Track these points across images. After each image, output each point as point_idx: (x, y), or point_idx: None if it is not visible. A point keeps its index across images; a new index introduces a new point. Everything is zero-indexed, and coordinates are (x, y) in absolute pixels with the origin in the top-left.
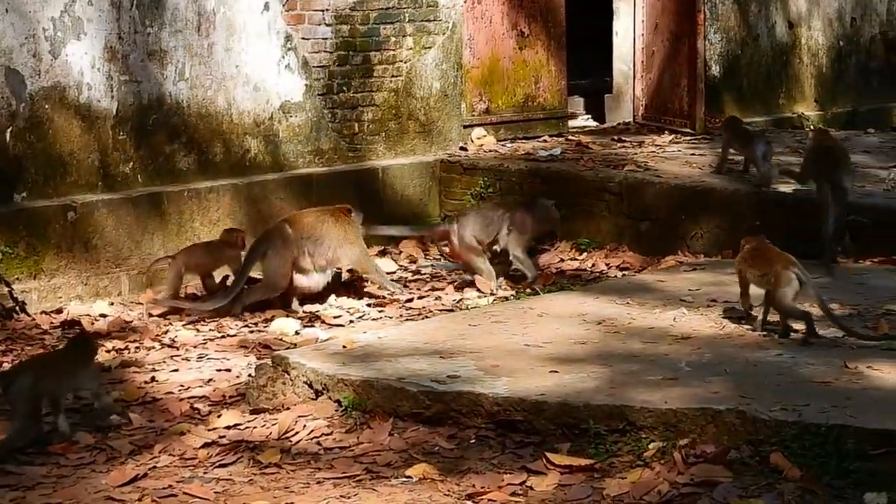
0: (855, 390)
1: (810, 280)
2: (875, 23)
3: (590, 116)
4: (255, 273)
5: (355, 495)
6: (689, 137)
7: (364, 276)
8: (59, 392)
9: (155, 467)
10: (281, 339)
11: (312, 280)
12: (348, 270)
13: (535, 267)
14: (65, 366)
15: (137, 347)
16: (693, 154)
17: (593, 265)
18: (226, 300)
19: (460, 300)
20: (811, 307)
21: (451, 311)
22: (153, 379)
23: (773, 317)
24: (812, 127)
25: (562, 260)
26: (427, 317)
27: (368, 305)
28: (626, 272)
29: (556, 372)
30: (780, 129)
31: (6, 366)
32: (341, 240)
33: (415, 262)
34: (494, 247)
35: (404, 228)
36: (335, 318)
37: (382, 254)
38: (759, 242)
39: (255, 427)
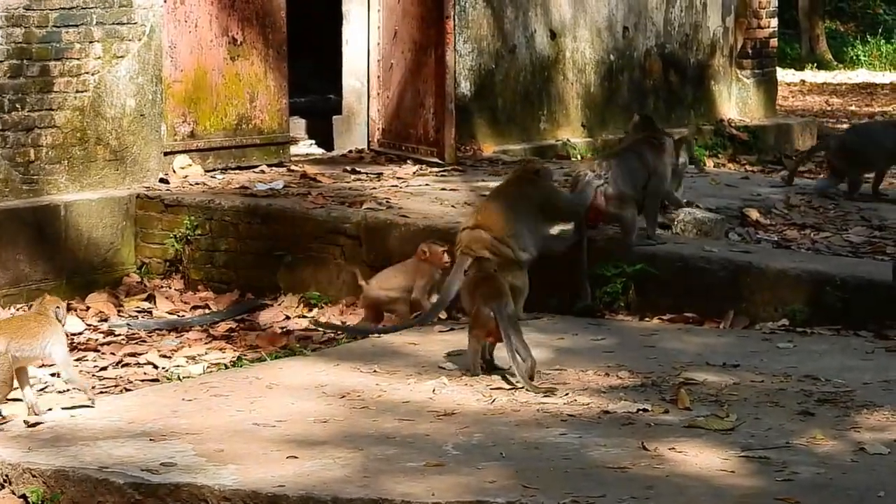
0: (658, 477)
1: (504, 318)
2: (651, 34)
3: (314, 142)
4: None
5: None
6: (436, 169)
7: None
8: None
9: None
10: None
11: None
12: None
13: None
14: None
15: None
16: (443, 189)
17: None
18: None
19: (180, 366)
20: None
21: (158, 381)
22: None
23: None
24: (580, 157)
25: (288, 318)
26: (127, 389)
27: (53, 375)
28: None
29: (294, 457)
30: (543, 158)
31: None
32: None
33: (106, 319)
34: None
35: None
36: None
37: (67, 310)
38: (481, 271)
39: None
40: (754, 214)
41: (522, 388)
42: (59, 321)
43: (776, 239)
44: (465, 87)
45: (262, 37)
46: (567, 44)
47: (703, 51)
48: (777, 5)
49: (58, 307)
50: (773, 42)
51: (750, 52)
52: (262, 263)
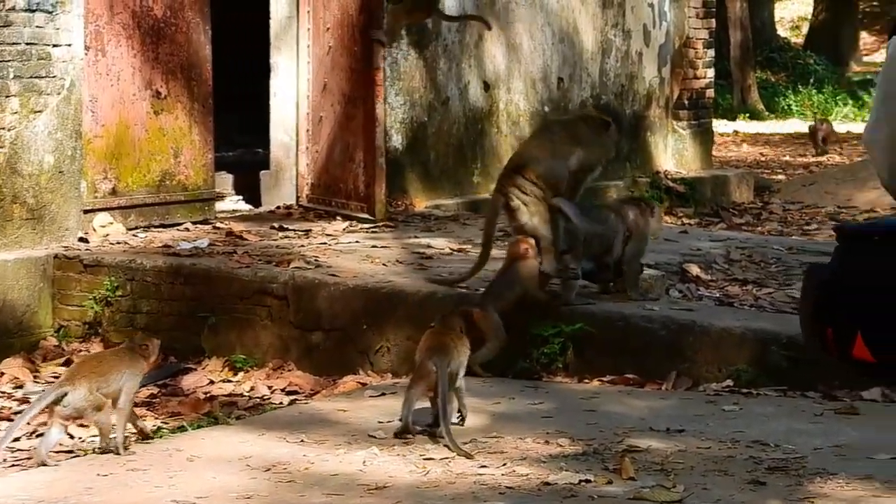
0: None
1: (444, 374)
2: (586, 85)
3: (241, 198)
4: None
5: None
6: (367, 225)
7: None
8: None
9: None
10: None
11: None
12: None
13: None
14: None
15: None
16: (374, 246)
17: (252, 389)
18: None
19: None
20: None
21: (73, 454)
22: None
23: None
24: None
25: (211, 382)
26: (43, 462)
27: None
28: (295, 398)
29: None
30: (477, 213)
31: None
32: None
33: (21, 386)
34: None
35: None
36: None
37: None
38: (444, 326)
39: None
40: (695, 270)
41: (453, 454)
42: None
43: (718, 295)
44: (397, 140)
45: (187, 90)
46: (501, 95)
47: (639, 102)
48: (713, 56)
49: None
50: (710, 93)
51: (686, 102)
52: (186, 325)
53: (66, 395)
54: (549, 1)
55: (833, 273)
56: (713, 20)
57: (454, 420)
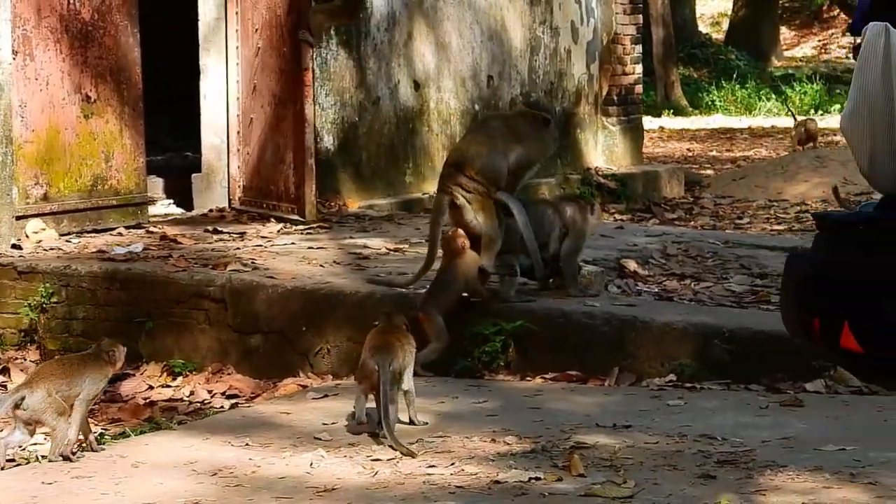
0: None
1: (386, 373)
2: (516, 82)
3: (172, 202)
4: None
5: None
6: (302, 226)
7: None
8: None
9: None
10: None
11: None
12: None
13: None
14: None
15: None
16: (311, 248)
17: (192, 393)
18: None
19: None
20: None
21: (14, 462)
22: None
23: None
24: None
25: (150, 387)
26: None
27: None
28: (236, 401)
29: None
30: (410, 213)
31: None
32: None
33: None
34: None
35: None
36: None
37: None
38: (389, 324)
39: None
40: (632, 265)
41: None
42: None
43: (657, 290)
44: (328, 140)
45: (117, 93)
46: (431, 94)
47: (569, 99)
48: (641, 52)
49: None
50: (639, 88)
51: (615, 99)
52: (123, 331)
53: (23, 398)
54: None
55: (817, 264)
56: (640, 16)
57: (404, 421)
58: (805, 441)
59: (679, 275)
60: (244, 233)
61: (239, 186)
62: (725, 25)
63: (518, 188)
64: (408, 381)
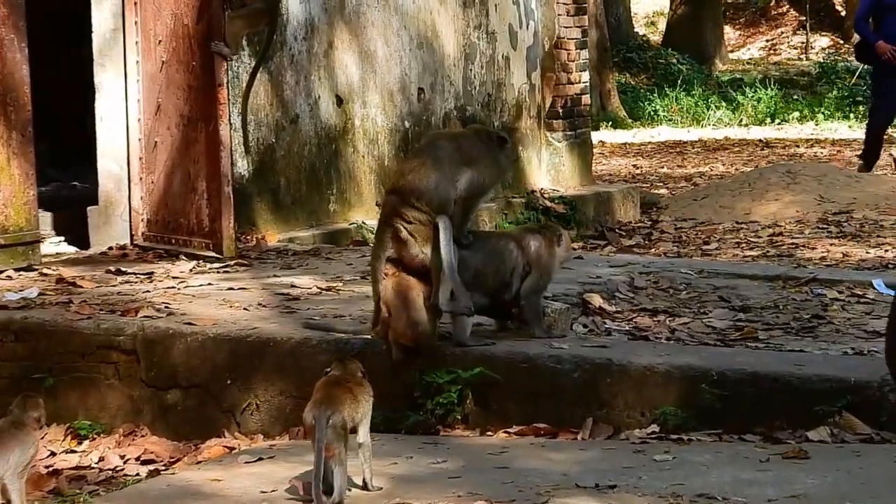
0: None
1: (322, 430)
2: (449, 95)
3: (63, 239)
4: None
5: None
6: (217, 265)
7: None
8: None
9: None
10: None
11: None
12: None
13: None
14: None
15: None
16: (231, 289)
17: (102, 459)
18: None
19: None
20: None
21: None
22: None
23: None
24: None
25: (53, 453)
26: None
27: None
28: (153, 467)
29: None
30: (336, 245)
31: None
32: None
33: None
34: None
35: None
36: None
37: None
38: (344, 372)
39: None
40: (597, 300)
41: None
42: None
43: (628, 328)
44: (242, 165)
45: (3, 117)
46: (356, 110)
47: (509, 112)
48: (587, 58)
49: None
50: (586, 99)
51: (560, 111)
52: (19, 389)
53: None
54: (404, 1)
55: None
56: (585, 17)
57: (358, 484)
58: (816, 498)
59: (651, 310)
60: (152, 273)
61: (143, 220)
62: (662, 26)
63: (470, 218)
64: (363, 435)
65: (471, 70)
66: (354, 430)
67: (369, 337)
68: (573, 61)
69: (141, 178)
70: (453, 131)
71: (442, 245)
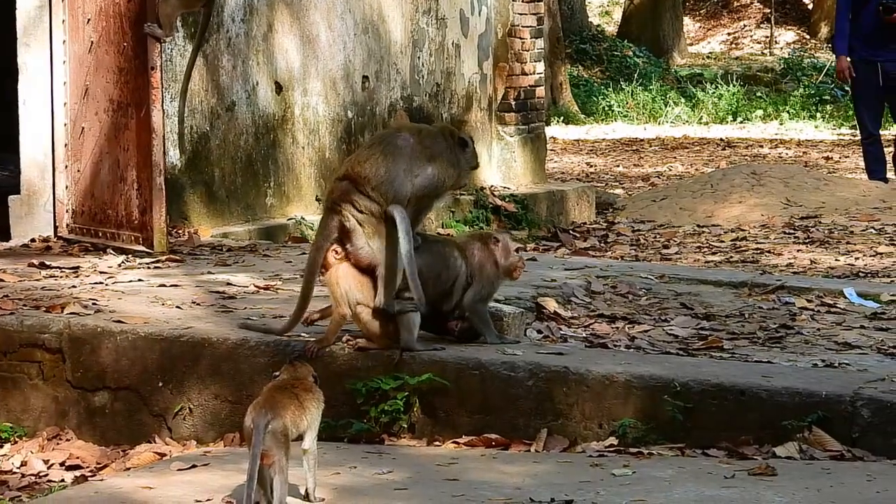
0: None
1: (259, 436)
2: (396, 84)
3: None
4: None
5: None
6: (147, 260)
7: None
8: None
9: None
10: None
11: None
12: None
13: None
14: None
15: None
16: (163, 286)
17: (24, 464)
18: None
19: None
20: None
21: None
22: None
23: None
24: None
25: None
26: None
27: None
28: (79, 473)
29: None
30: (273, 241)
31: None
32: None
33: None
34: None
35: None
36: None
37: None
38: (292, 376)
39: None
40: (552, 305)
41: None
42: None
43: (585, 335)
44: (174, 155)
45: None
46: (296, 98)
47: (458, 103)
48: (542, 47)
49: None
50: (540, 91)
51: (513, 103)
52: None
53: None
54: None
55: None
56: (541, 4)
57: (301, 494)
58: None
59: (609, 316)
60: (78, 267)
61: (67, 211)
62: (618, 16)
63: (423, 219)
64: (309, 443)
65: (419, 58)
66: (300, 438)
67: (312, 339)
68: (527, 51)
69: (66, 167)
70: (418, 125)
71: (401, 235)
